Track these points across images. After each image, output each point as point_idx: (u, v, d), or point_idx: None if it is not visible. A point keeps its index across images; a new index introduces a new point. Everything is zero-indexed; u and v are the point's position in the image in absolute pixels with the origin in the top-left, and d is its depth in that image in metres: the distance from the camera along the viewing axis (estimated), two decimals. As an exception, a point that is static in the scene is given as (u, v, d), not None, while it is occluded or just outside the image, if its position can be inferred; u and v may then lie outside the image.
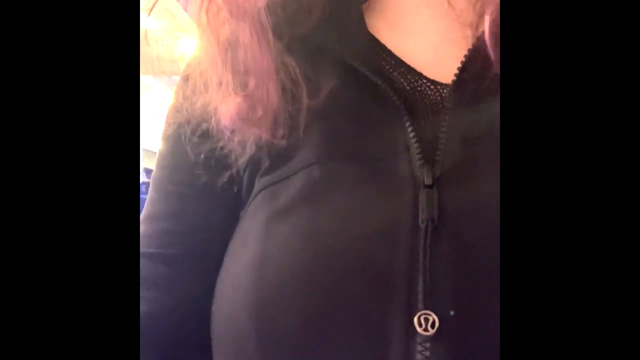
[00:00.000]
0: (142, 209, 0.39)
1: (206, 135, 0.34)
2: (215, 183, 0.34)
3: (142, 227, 0.35)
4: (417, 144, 0.28)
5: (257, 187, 0.32)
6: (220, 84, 0.32)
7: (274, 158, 0.32)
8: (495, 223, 0.23)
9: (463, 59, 0.30)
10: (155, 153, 0.38)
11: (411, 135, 0.28)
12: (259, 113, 0.30)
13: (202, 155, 0.34)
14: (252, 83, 0.31)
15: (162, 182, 0.37)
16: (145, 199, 0.38)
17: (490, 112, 0.28)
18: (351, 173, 0.28)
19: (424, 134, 0.28)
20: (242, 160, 0.33)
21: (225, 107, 0.31)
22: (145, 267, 0.33)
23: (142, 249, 0.34)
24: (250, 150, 0.32)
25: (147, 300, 0.33)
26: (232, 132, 0.32)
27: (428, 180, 0.26)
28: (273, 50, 0.31)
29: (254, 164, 0.33)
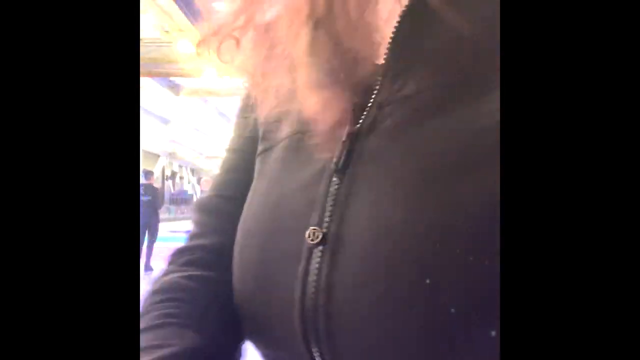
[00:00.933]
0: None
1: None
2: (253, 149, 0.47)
3: (215, 177, 0.49)
4: (352, 109, 0.35)
5: (256, 153, 0.43)
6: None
7: (265, 132, 0.42)
8: (387, 165, 0.31)
9: (396, 24, 0.35)
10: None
11: (353, 102, 0.35)
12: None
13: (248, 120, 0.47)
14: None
15: (229, 144, 0.50)
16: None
17: (417, 80, 0.33)
18: (309, 139, 0.36)
19: (361, 100, 0.35)
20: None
21: None
22: (219, 204, 0.46)
23: (216, 192, 0.47)
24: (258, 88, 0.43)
25: (218, 230, 0.43)
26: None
27: (345, 137, 0.33)
28: None
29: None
